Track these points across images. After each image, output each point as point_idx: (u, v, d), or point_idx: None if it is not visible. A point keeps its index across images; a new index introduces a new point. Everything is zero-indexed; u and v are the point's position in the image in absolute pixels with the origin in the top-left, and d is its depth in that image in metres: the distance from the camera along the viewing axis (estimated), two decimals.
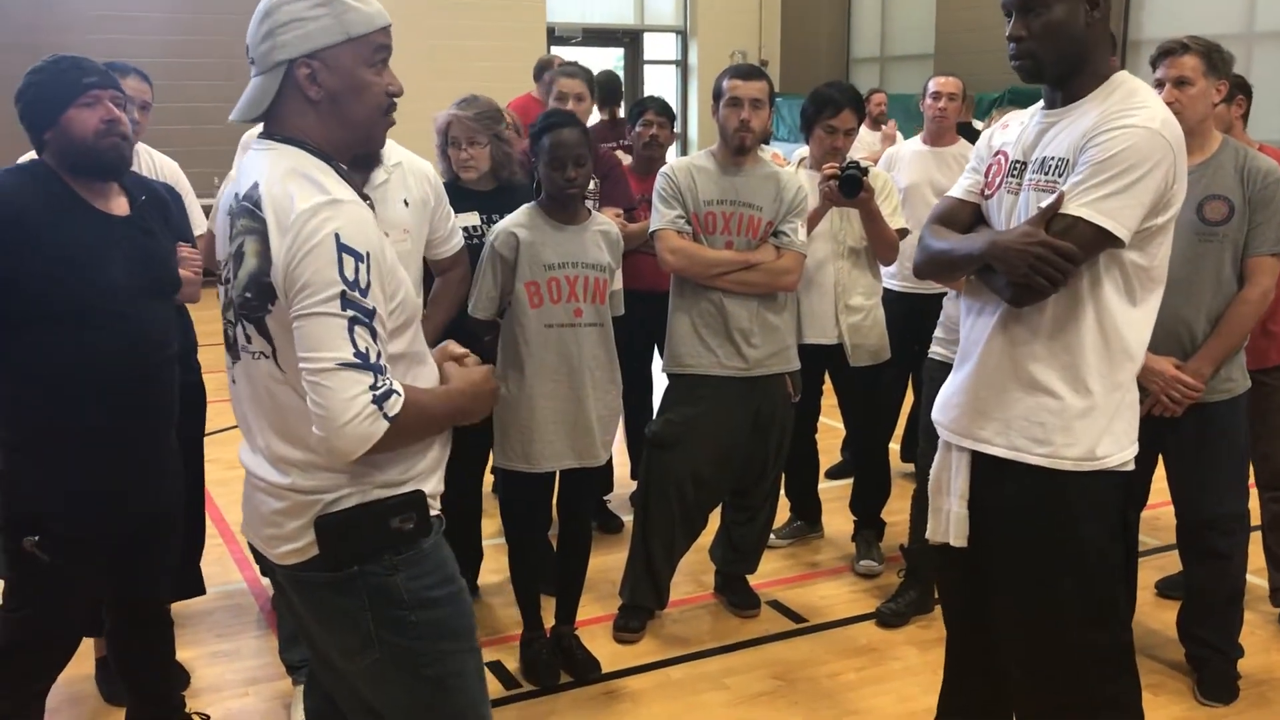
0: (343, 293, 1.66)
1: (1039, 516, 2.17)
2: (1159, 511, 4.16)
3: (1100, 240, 2.05)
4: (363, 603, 1.78)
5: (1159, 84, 3.11)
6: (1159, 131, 2.05)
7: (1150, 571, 4.13)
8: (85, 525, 2.42)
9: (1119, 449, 2.16)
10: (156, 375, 2.51)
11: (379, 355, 1.69)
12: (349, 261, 1.67)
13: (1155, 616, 3.73)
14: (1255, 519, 3.47)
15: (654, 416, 3.79)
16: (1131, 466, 2.20)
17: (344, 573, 1.78)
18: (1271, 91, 9.22)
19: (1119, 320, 2.12)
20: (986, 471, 2.22)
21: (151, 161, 3.66)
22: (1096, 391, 2.12)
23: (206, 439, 5.66)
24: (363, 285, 1.68)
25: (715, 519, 3.85)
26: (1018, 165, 2.20)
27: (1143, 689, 3.23)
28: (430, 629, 1.81)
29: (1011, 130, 2.30)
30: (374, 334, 1.69)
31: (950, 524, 2.27)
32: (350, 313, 1.67)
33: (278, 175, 1.74)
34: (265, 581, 3.91)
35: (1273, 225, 3.10)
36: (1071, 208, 2.04)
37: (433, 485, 1.85)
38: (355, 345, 1.66)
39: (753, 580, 3.92)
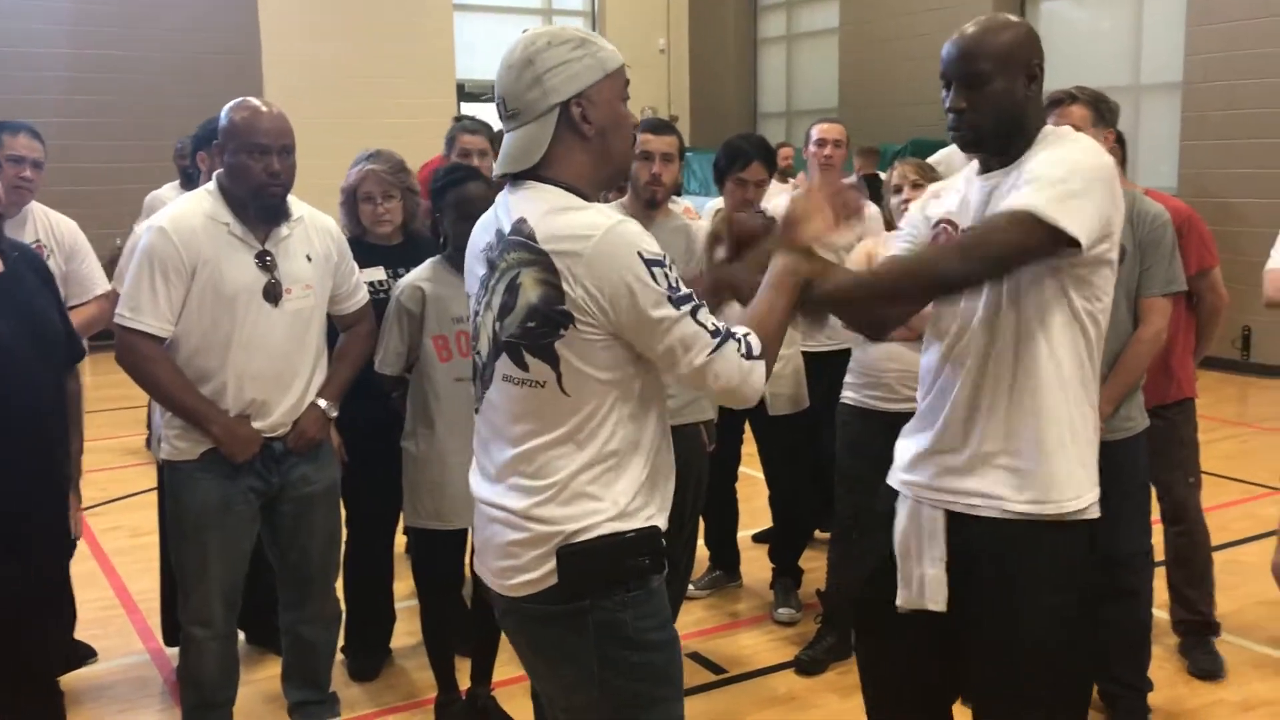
0: (668, 298, 1.78)
1: (1022, 571, 2.12)
2: None
3: (1056, 239, 1.97)
4: (589, 638, 1.81)
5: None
6: (1098, 150, 2.08)
7: None
8: None
9: (1091, 488, 2.14)
10: (45, 438, 2.43)
11: (717, 321, 1.82)
12: (657, 272, 1.78)
13: None
14: (1159, 554, 3.55)
15: None
16: (1096, 512, 2.17)
17: (575, 605, 1.81)
18: (1158, 140, 9.62)
19: (1076, 363, 2.10)
20: (965, 530, 2.16)
21: (48, 221, 3.57)
22: (1066, 435, 2.10)
23: (108, 506, 5.53)
24: (674, 284, 1.79)
25: None
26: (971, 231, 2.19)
27: None
28: (648, 671, 1.83)
29: (949, 199, 2.28)
30: (705, 307, 1.82)
31: (927, 588, 2.21)
32: (685, 308, 1.79)
33: (551, 207, 1.83)
34: (170, 652, 3.78)
35: (1162, 267, 3.19)
36: (1027, 204, 1.96)
37: (664, 522, 1.88)
38: (707, 327, 1.80)
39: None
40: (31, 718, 2.66)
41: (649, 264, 1.77)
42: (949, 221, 2.24)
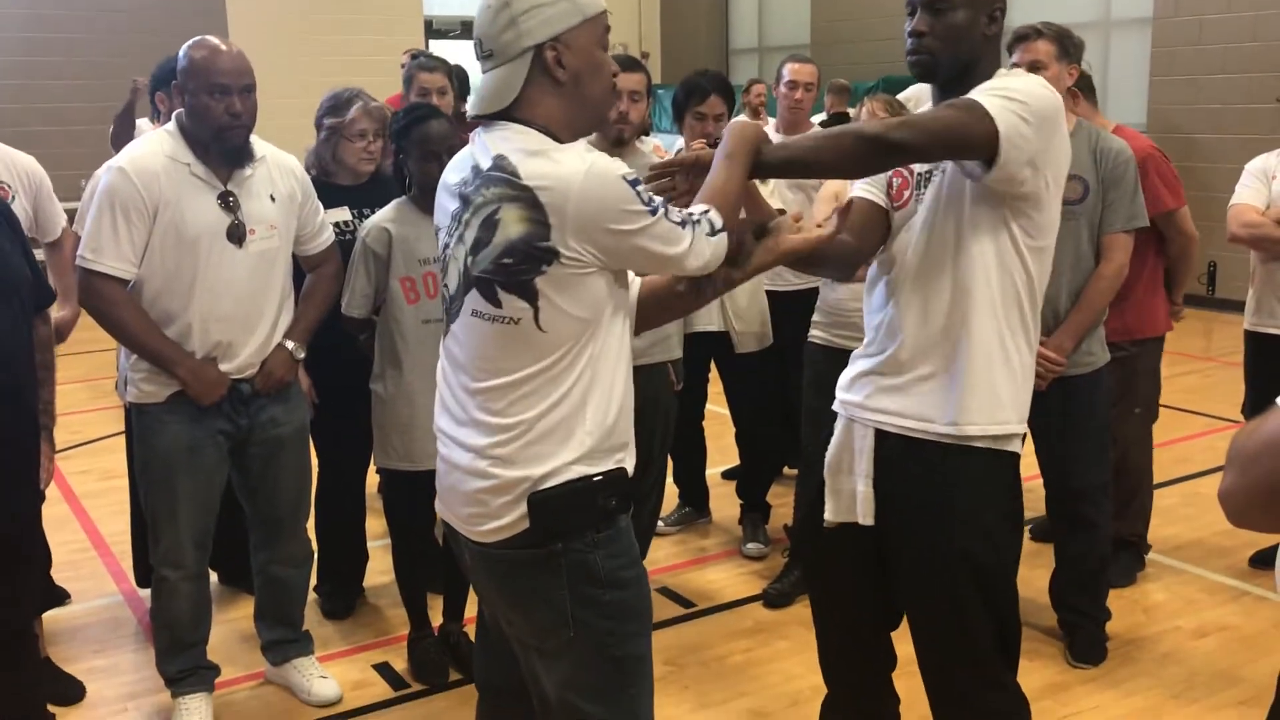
0: (648, 210, 1.82)
1: (940, 490, 2.20)
2: (1032, 484, 4.31)
3: (990, 134, 1.98)
4: (561, 580, 1.83)
5: (1014, 68, 3.21)
6: (1048, 89, 2.10)
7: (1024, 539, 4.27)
8: None
9: (1016, 422, 2.19)
10: (7, 384, 2.42)
11: (679, 211, 1.87)
12: (640, 192, 1.82)
13: (1029, 584, 3.84)
14: None
15: None
16: (1020, 444, 2.24)
17: (547, 549, 1.83)
18: (1127, 76, 9.62)
19: (1015, 296, 2.15)
20: (890, 448, 2.24)
21: (10, 160, 3.52)
22: (996, 366, 2.15)
23: (80, 449, 5.52)
24: (648, 197, 1.84)
25: None
26: (922, 178, 2.22)
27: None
28: (620, 608, 1.86)
29: None
30: (665, 202, 1.87)
31: (858, 503, 2.29)
32: (658, 213, 1.83)
33: (531, 149, 1.83)
34: (143, 593, 3.80)
35: (1124, 203, 3.23)
36: (974, 96, 2.02)
37: (631, 463, 1.90)
38: (675, 221, 1.85)
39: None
40: (6, 659, 2.69)
41: (631, 184, 1.80)
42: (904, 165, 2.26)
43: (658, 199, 1.86)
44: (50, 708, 2.87)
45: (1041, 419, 3.31)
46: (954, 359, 2.15)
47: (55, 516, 3.23)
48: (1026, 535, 4.26)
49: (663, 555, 4.18)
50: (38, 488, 2.62)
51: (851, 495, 2.31)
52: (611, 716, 1.88)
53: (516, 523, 1.83)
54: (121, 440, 3.74)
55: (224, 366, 2.89)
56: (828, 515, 2.35)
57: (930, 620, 2.29)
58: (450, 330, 1.95)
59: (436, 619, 3.46)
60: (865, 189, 2.32)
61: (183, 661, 3.05)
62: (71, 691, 3.24)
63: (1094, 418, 3.33)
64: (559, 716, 1.92)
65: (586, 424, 1.84)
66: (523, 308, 1.81)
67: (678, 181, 2.10)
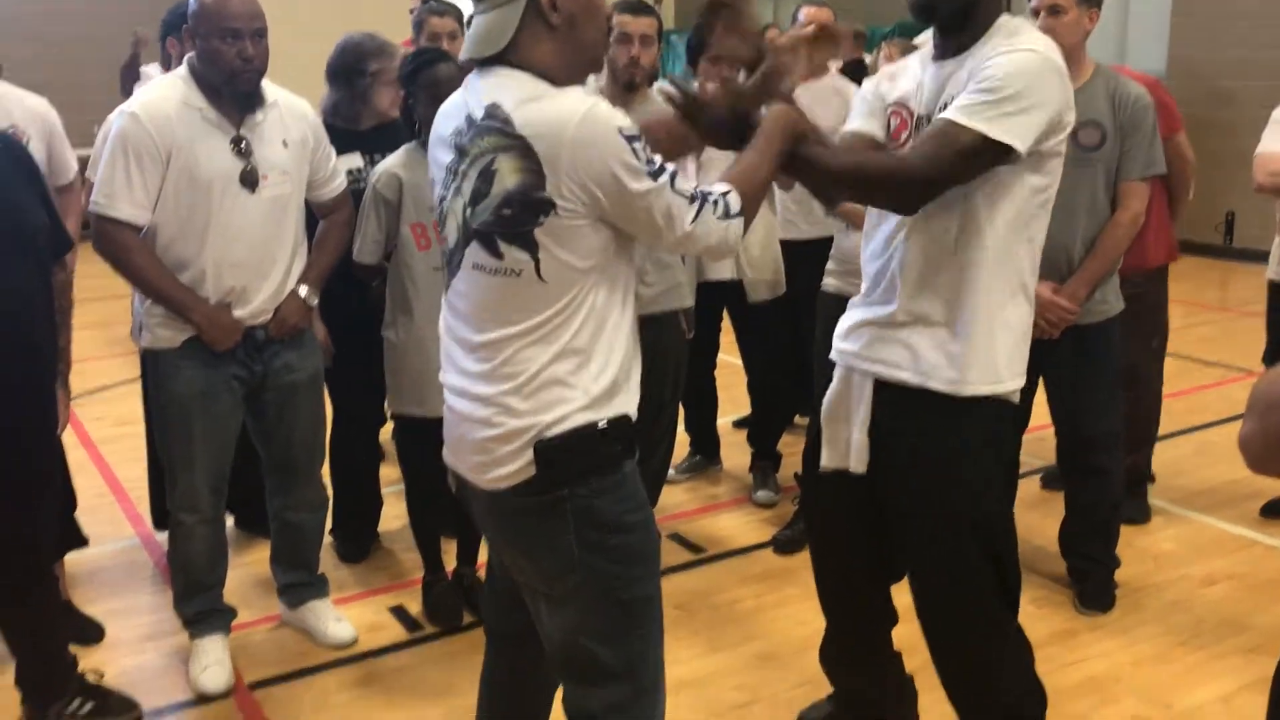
0: (648, 172, 1.78)
1: (939, 443, 2.22)
2: (1043, 433, 4.31)
3: (998, 155, 2.05)
4: (568, 526, 1.84)
5: (1034, 13, 3.17)
6: (1046, 55, 2.09)
7: (1034, 487, 4.29)
8: None
9: (1014, 377, 2.21)
10: (27, 333, 2.44)
11: (693, 186, 1.84)
12: (637, 147, 1.77)
13: (1039, 532, 3.87)
14: None
15: None
16: (1017, 397, 2.26)
17: (553, 496, 1.84)
18: (1147, 21, 9.48)
19: (1017, 248, 2.16)
20: (889, 398, 2.25)
21: (21, 103, 3.50)
22: (997, 320, 2.16)
23: (94, 396, 5.56)
24: (650, 158, 1.80)
25: None
26: (923, 120, 2.21)
27: (1026, 603, 3.38)
28: (626, 552, 1.87)
29: (902, 82, 2.30)
30: (678, 174, 1.82)
31: (852, 451, 2.31)
32: (663, 178, 1.80)
33: (525, 95, 1.80)
34: (159, 536, 3.85)
35: (1142, 150, 3.19)
36: (970, 123, 2.03)
37: (634, 409, 1.91)
38: (685, 194, 1.81)
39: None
40: (28, 599, 2.73)
41: (629, 140, 1.77)
42: (903, 106, 2.25)
43: (667, 165, 1.82)
44: (71, 648, 2.92)
45: (1053, 368, 3.32)
46: (956, 311, 2.16)
47: (72, 462, 3.25)
48: (1037, 484, 4.30)
49: (673, 502, 4.21)
50: (56, 433, 2.65)
51: (847, 443, 2.32)
52: (620, 659, 1.90)
53: (523, 470, 1.84)
54: (136, 387, 3.76)
55: (238, 312, 2.90)
56: (823, 462, 2.38)
57: (930, 570, 2.31)
58: (451, 284, 1.94)
59: (450, 563, 3.50)
60: (864, 123, 2.31)
61: (200, 604, 3.10)
62: (91, 632, 3.30)
63: (1106, 366, 3.33)
64: (568, 660, 1.94)
65: (591, 372, 1.84)
66: (524, 259, 1.80)
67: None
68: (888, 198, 2.15)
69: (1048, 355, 3.29)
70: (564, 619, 1.91)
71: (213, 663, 3.04)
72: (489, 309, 1.86)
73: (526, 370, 1.83)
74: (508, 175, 1.79)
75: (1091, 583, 3.45)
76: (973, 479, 2.21)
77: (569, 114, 1.76)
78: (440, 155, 1.95)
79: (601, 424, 1.84)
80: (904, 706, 2.80)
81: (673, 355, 3.64)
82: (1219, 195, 8.97)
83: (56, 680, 2.84)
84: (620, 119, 1.79)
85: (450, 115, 1.94)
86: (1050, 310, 3.18)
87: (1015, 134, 2.03)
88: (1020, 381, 2.24)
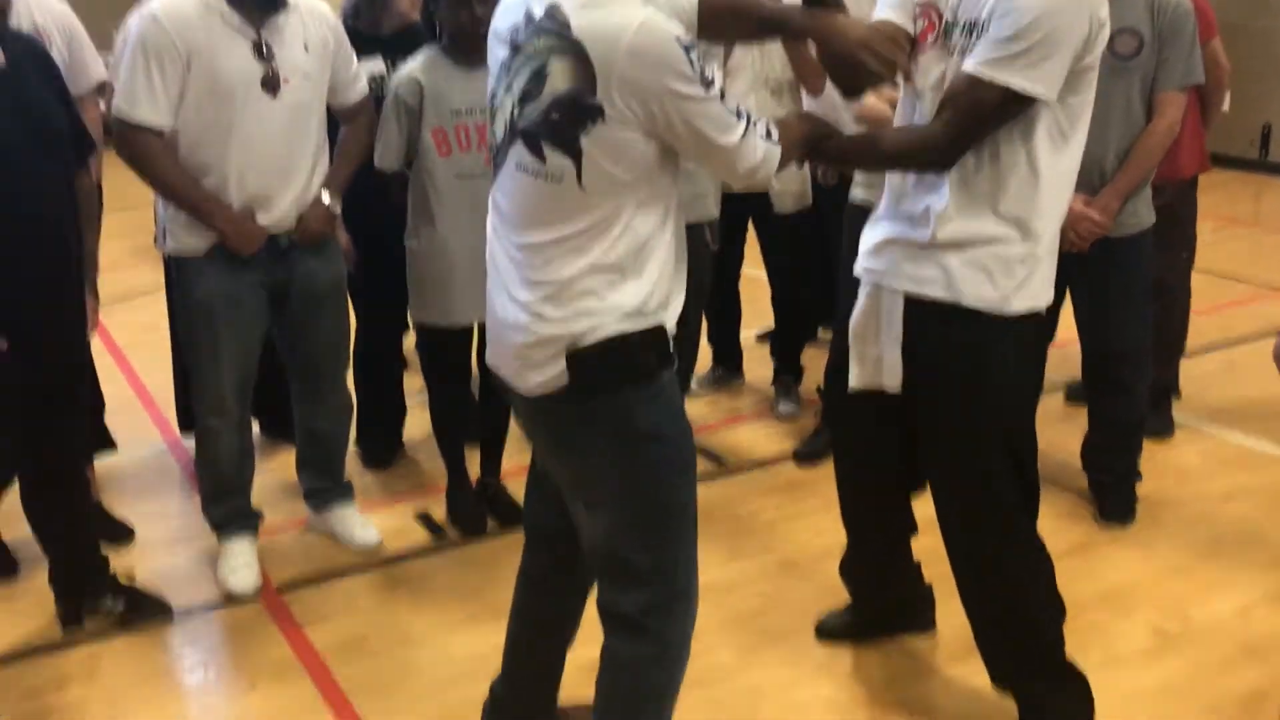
0: (701, 82, 1.76)
1: (975, 359, 2.22)
2: (1067, 348, 4.29)
3: (1025, 102, 2.06)
4: (604, 432, 1.86)
5: None
6: None
7: (1057, 401, 4.28)
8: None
9: (1045, 290, 2.21)
10: (51, 235, 2.44)
11: (738, 106, 1.84)
12: (692, 57, 1.75)
13: (1061, 447, 3.86)
14: None
15: None
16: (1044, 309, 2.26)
17: (588, 404, 1.86)
18: None
19: (1051, 161, 2.13)
20: (920, 315, 2.24)
21: (46, 7, 3.45)
22: (1031, 234, 2.15)
23: (120, 303, 5.58)
24: (702, 69, 1.77)
25: None
26: (949, 26, 2.16)
27: (1046, 516, 3.39)
28: (662, 461, 1.89)
29: None
30: (725, 93, 1.83)
31: (885, 369, 2.31)
32: (713, 90, 1.78)
33: (586, 1, 1.76)
34: (186, 442, 3.90)
35: (1181, 59, 3.11)
36: (995, 76, 2.03)
37: (672, 322, 1.91)
38: (733, 110, 1.82)
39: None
40: (61, 499, 2.79)
41: (685, 49, 1.75)
42: (932, 8, 2.20)
43: (715, 79, 1.80)
44: (102, 549, 2.98)
45: (1082, 281, 3.29)
46: (988, 228, 2.13)
47: (99, 368, 3.29)
48: (1060, 398, 4.29)
49: (696, 415, 4.21)
50: (84, 336, 2.67)
51: (877, 361, 2.31)
52: (654, 563, 1.93)
53: (557, 377, 1.85)
54: (161, 294, 3.78)
55: (261, 219, 2.89)
56: (852, 382, 2.37)
57: (956, 480, 2.33)
58: (497, 181, 1.93)
59: (474, 472, 3.53)
60: (894, 14, 2.25)
61: (227, 507, 3.14)
62: (121, 533, 3.36)
63: (1137, 280, 3.29)
64: (604, 561, 1.97)
65: (628, 284, 1.83)
66: (566, 165, 1.78)
67: None
68: (923, 167, 2.17)
69: (1076, 268, 3.25)
70: (600, 522, 1.93)
71: (241, 565, 3.09)
72: (529, 212, 1.85)
73: (561, 277, 1.82)
74: (559, 78, 1.76)
75: (1112, 496, 3.46)
76: (1005, 393, 2.22)
77: (626, 22, 1.73)
78: (496, 50, 1.92)
79: (635, 335, 1.84)
80: (922, 616, 2.83)
81: (697, 267, 3.59)
82: (1255, 107, 8.77)
83: (89, 579, 2.90)
84: (676, 27, 1.77)
85: (510, 10, 1.90)
86: (1080, 223, 3.13)
87: (1043, 83, 2.03)
88: (1051, 295, 2.23)
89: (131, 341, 5.10)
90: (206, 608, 3.05)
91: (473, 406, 3.58)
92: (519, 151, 1.84)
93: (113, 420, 3.91)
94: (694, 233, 3.51)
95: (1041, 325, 2.25)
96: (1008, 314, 2.17)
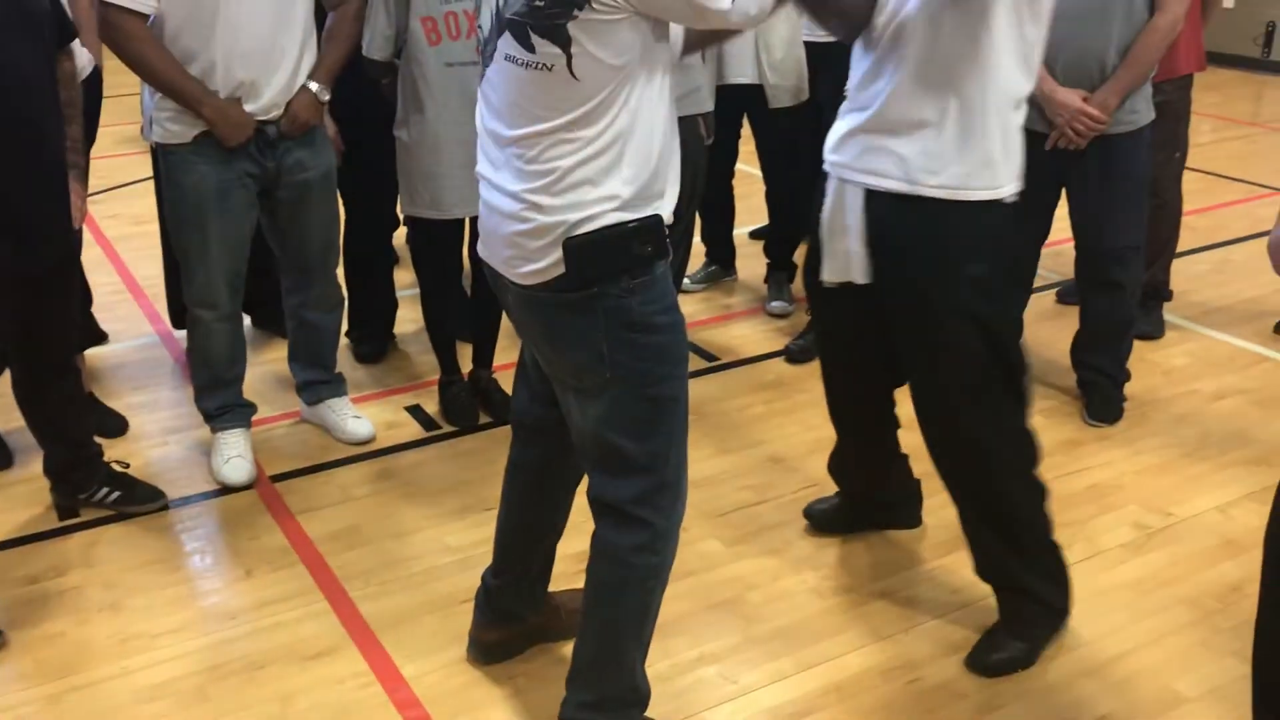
0: None
1: (931, 247, 2.21)
2: (1061, 248, 4.28)
3: None
4: (598, 323, 1.85)
5: None
6: None
7: (1049, 300, 4.29)
8: None
9: (1005, 177, 2.18)
10: (29, 117, 2.40)
11: None
12: None
13: (1051, 345, 3.89)
14: None
15: None
16: (1013, 198, 2.23)
17: (584, 293, 1.85)
18: None
19: (1009, 46, 2.09)
20: (880, 207, 2.23)
21: None
22: (991, 123, 2.12)
23: (110, 193, 5.54)
24: None
25: None
26: None
27: (1035, 414, 3.42)
28: (655, 351, 1.89)
29: None
30: None
31: (853, 263, 2.31)
32: None
33: None
34: (179, 334, 3.90)
35: None
36: None
37: (668, 213, 1.89)
38: None
39: None
40: (52, 393, 2.79)
41: None
42: None
43: None
44: (96, 439, 3.00)
45: (1078, 179, 3.27)
46: (945, 116, 2.11)
47: (89, 260, 3.27)
48: (1052, 297, 4.30)
49: (688, 311, 4.15)
50: (70, 225, 2.64)
51: (846, 255, 2.31)
52: (644, 453, 1.94)
53: (553, 266, 1.85)
54: (150, 185, 3.74)
55: (248, 107, 2.84)
56: (824, 275, 2.37)
57: (930, 373, 2.33)
58: (485, 75, 1.90)
59: (466, 366, 3.54)
60: None
61: (220, 398, 3.15)
62: (115, 424, 3.37)
63: (1133, 178, 3.26)
64: (595, 451, 1.98)
65: (623, 172, 1.81)
66: (556, 54, 1.74)
67: None
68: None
69: (1073, 165, 3.23)
70: (592, 411, 1.94)
71: (235, 455, 3.11)
72: (520, 103, 1.82)
73: (556, 168, 1.80)
74: None
75: (1100, 395, 3.48)
76: (971, 283, 2.21)
77: None
78: None
79: (632, 224, 1.83)
80: (909, 512, 2.88)
81: (690, 161, 3.54)
82: (1260, 5, 8.63)
83: (83, 468, 2.93)
84: None
85: None
86: (1078, 119, 3.10)
87: None
88: (1016, 185, 2.20)
89: (121, 233, 5.06)
90: (201, 497, 3.08)
91: (464, 300, 3.58)
92: (507, 42, 1.80)
93: (103, 311, 3.91)
94: (688, 125, 3.48)
95: (1009, 213, 2.21)
96: (965, 200, 2.15)
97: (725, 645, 2.49)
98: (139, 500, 2.98)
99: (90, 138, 3.26)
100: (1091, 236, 3.36)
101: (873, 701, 2.33)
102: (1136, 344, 3.60)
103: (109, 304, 4.23)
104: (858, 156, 2.23)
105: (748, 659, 2.45)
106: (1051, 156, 3.22)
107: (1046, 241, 3.48)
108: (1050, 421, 3.43)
